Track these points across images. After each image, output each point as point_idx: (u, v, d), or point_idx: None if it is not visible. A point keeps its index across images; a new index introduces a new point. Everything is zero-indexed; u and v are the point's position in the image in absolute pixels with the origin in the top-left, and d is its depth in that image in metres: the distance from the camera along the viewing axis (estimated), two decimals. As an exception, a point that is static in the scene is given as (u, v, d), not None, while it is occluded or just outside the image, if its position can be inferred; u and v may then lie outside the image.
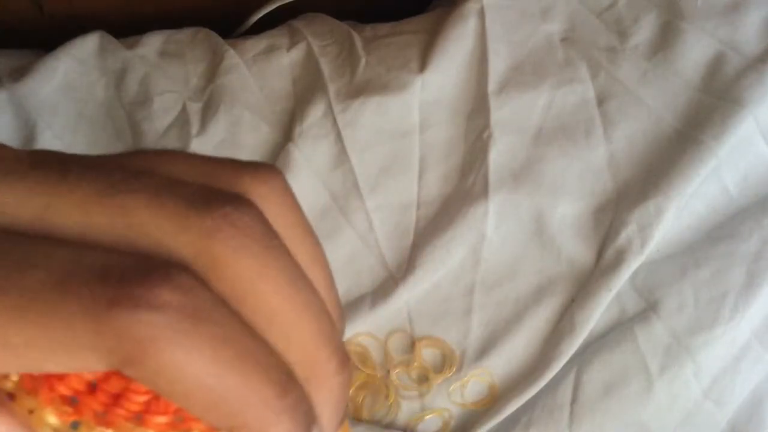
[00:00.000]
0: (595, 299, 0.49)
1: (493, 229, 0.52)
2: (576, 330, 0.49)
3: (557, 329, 0.50)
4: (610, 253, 0.51)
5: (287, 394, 0.14)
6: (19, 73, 0.57)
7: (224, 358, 0.14)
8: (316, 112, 0.55)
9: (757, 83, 0.54)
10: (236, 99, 0.57)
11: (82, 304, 0.13)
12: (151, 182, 0.15)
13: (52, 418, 0.15)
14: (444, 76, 0.57)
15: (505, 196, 0.53)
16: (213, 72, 0.58)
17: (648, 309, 0.49)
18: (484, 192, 0.53)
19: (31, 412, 0.15)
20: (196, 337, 0.13)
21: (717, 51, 0.57)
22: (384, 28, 0.62)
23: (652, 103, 0.56)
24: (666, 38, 0.58)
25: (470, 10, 0.58)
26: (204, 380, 0.13)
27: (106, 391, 0.15)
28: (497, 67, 0.57)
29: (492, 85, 0.56)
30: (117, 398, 0.15)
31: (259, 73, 0.58)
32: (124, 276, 0.13)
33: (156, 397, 0.15)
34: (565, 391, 0.47)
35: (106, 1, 0.64)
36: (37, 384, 0.15)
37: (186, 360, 0.13)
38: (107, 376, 0.15)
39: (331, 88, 0.56)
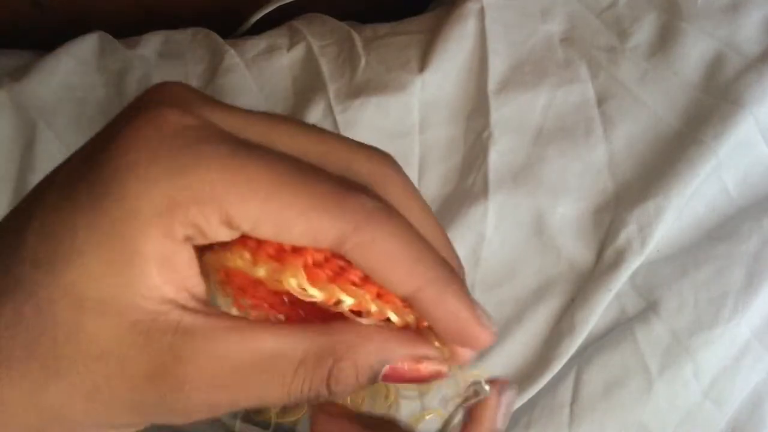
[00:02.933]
0: (595, 299, 0.49)
1: (493, 229, 0.52)
2: (576, 330, 0.48)
3: (557, 329, 0.49)
4: (609, 253, 0.50)
5: (447, 266, 0.21)
6: (19, 73, 0.56)
7: (408, 237, 0.20)
8: (316, 112, 0.55)
9: (757, 83, 0.53)
10: (236, 99, 0.56)
11: (331, 185, 0.20)
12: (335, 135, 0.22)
13: (293, 281, 0.20)
14: (444, 75, 0.56)
15: (505, 196, 0.52)
16: (213, 72, 0.57)
17: (648, 309, 0.49)
18: (483, 192, 0.52)
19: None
20: (392, 219, 0.20)
21: (717, 51, 0.56)
22: (384, 28, 0.61)
23: (652, 103, 0.55)
24: (666, 38, 0.57)
25: (470, 10, 0.58)
26: (396, 247, 0.20)
27: (334, 264, 0.21)
28: (497, 66, 0.57)
29: (492, 85, 0.56)
30: (341, 270, 0.21)
31: (259, 74, 0.57)
32: (353, 181, 0.21)
33: (365, 277, 0.21)
34: (565, 391, 0.47)
35: (106, 1, 0.64)
36: (284, 257, 0.21)
37: (386, 230, 0.20)
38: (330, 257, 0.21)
39: (331, 88, 0.56)
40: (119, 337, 0.19)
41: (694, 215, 0.52)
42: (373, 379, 0.21)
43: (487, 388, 0.24)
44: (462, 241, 0.51)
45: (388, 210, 0.20)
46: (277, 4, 0.65)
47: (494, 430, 0.25)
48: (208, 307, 0.20)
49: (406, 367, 0.21)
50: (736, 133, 0.52)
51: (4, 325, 0.19)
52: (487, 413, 0.25)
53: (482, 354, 0.49)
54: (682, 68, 0.56)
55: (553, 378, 0.47)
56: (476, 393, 0.25)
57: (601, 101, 0.56)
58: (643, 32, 0.58)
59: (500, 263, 0.51)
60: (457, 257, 0.24)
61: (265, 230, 0.20)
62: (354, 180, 0.21)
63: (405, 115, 0.55)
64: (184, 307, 0.20)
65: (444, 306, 0.21)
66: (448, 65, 0.56)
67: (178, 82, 0.22)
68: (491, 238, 0.51)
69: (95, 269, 0.19)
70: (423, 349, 0.22)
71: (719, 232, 0.51)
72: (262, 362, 0.20)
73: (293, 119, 0.22)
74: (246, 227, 0.19)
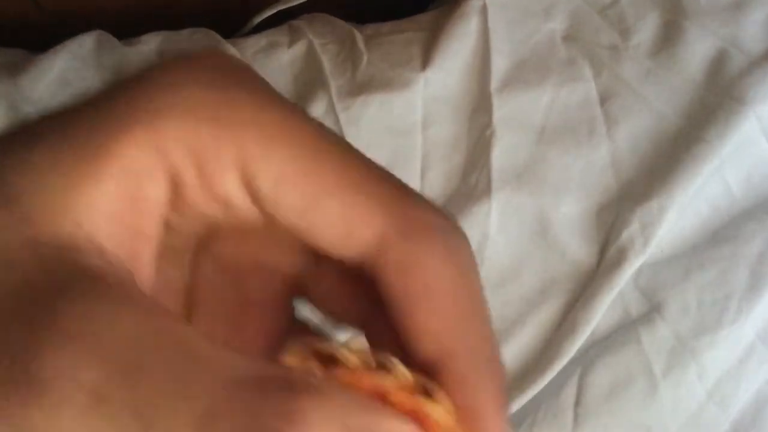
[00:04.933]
0: (598, 298, 0.48)
1: (496, 229, 0.51)
2: (578, 329, 0.47)
3: (560, 329, 0.48)
4: (612, 251, 0.49)
5: None
6: (16, 69, 0.55)
7: (463, 281, 0.15)
8: (318, 109, 0.54)
9: (760, 82, 0.52)
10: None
11: (381, 177, 0.15)
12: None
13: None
14: (447, 73, 0.55)
15: (508, 195, 0.51)
16: (213, 69, 0.56)
17: (652, 311, 0.48)
18: (486, 191, 0.51)
19: None
20: (451, 251, 0.14)
21: (720, 49, 0.55)
22: (386, 26, 0.60)
23: (655, 101, 0.54)
24: (669, 37, 0.56)
25: (473, 7, 0.56)
26: (447, 283, 0.14)
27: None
28: (500, 65, 0.55)
29: (494, 83, 0.55)
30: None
31: (260, 70, 0.55)
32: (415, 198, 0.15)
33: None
34: (569, 393, 0.46)
35: (107, 1, 0.63)
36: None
37: (438, 258, 0.14)
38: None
39: (333, 86, 0.54)
40: (5, 246, 0.13)
41: (698, 216, 0.51)
42: None
43: None
44: (465, 240, 0.50)
45: (449, 235, 0.15)
46: (279, 8, 0.64)
47: None
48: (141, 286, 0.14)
49: None
50: (739, 132, 0.51)
51: None
52: None
53: None
54: (685, 67, 0.55)
55: (558, 379, 0.46)
56: None
57: (604, 100, 0.54)
58: (646, 30, 0.56)
59: (504, 262, 0.50)
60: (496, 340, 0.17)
61: (290, 201, 0.14)
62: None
63: (408, 113, 0.54)
64: (111, 263, 0.13)
65: (482, 391, 0.14)
66: (451, 63, 0.55)
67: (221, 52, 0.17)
68: (495, 238, 0.50)
69: (35, 158, 0.13)
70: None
71: (723, 233, 0.50)
72: (181, 358, 0.12)
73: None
74: (265, 186, 0.14)
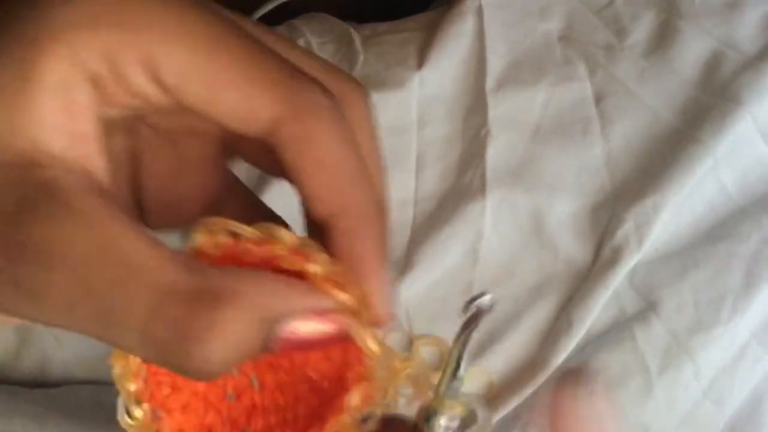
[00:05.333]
0: (593, 297, 0.47)
1: (491, 227, 0.50)
2: (573, 328, 0.47)
3: (555, 327, 0.48)
4: (607, 251, 0.49)
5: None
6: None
7: (348, 150, 0.17)
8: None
9: (755, 81, 0.52)
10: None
11: (279, 63, 0.17)
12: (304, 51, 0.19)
13: None
14: (442, 73, 0.55)
15: (503, 194, 0.51)
16: (210, 68, 0.56)
17: (647, 309, 0.47)
18: (481, 189, 0.51)
19: None
20: (338, 123, 0.17)
21: (715, 49, 0.55)
22: (383, 26, 0.60)
23: (650, 101, 0.54)
24: (664, 36, 0.56)
25: (469, 7, 0.56)
26: (332, 153, 0.17)
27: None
28: (495, 64, 0.55)
29: (490, 83, 0.54)
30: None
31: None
32: (304, 71, 0.17)
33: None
34: (564, 392, 0.46)
35: None
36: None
37: (328, 131, 0.17)
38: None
39: (329, 85, 0.54)
40: None
41: (693, 214, 0.50)
42: (265, 342, 0.16)
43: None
44: (460, 238, 0.50)
45: (337, 111, 0.17)
46: (278, 3, 0.64)
47: None
48: (95, 187, 0.16)
49: (305, 328, 0.16)
50: (734, 132, 0.50)
51: None
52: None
53: (480, 351, 0.47)
54: (680, 66, 0.54)
55: (553, 378, 0.46)
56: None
57: (599, 99, 0.54)
58: (641, 30, 0.56)
59: (498, 261, 0.50)
60: (386, 200, 0.20)
61: (192, 89, 0.16)
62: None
63: (403, 112, 0.54)
64: (67, 169, 0.16)
65: (360, 243, 0.17)
66: (447, 62, 0.55)
67: None
68: (489, 236, 0.50)
69: None
70: (327, 301, 0.17)
71: (718, 232, 0.50)
72: (124, 272, 0.15)
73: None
74: (170, 80, 0.16)
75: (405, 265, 0.49)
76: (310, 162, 0.17)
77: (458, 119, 0.54)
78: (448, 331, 0.48)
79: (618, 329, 0.47)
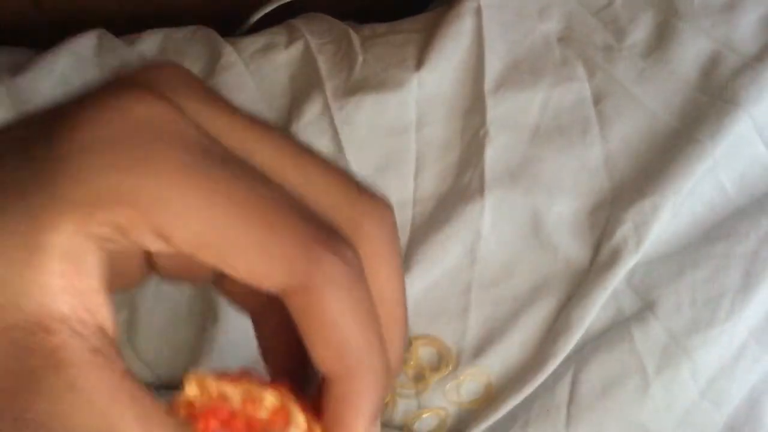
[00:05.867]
0: (591, 297, 0.47)
1: (489, 228, 0.50)
2: (572, 328, 0.46)
3: (553, 328, 0.47)
4: (605, 251, 0.49)
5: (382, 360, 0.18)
6: (17, 69, 0.55)
7: (360, 320, 0.17)
8: (312, 110, 0.53)
9: (753, 82, 0.52)
10: (233, 96, 0.53)
11: (295, 227, 0.16)
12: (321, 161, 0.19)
13: None
14: (441, 74, 0.55)
15: (501, 195, 0.51)
16: (211, 69, 0.56)
17: (645, 309, 0.47)
18: (480, 190, 0.51)
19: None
20: (353, 295, 0.17)
21: (713, 50, 0.54)
22: (382, 27, 0.60)
23: (649, 102, 0.54)
24: (662, 37, 0.56)
25: (467, 8, 0.56)
26: (346, 317, 0.17)
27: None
28: (494, 65, 0.55)
29: (488, 84, 0.54)
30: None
31: (257, 71, 0.56)
32: (329, 226, 0.17)
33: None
34: (563, 391, 0.45)
35: (107, 1, 0.63)
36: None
37: (335, 306, 0.17)
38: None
39: (328, 86, 0.54)
40: None
41: (692, 214, 0.50)
42: None
43: None
44: (459, 239, 0.49)
45: (354, 275, 0.17)
46: (277, 4, 0.63)
47: None
48: (101, 348, 0.16)
49: None
50: (732, 132, 0.50)
51: None
52: None
53: (479, 352, 0.47)
54: (678, 67, 0.54)
55: (551, 378, 0.45)
56: None
57: (597, 100, 0.54)
58: (640, 31, 0.56)
59: (497, 262, 0.49)
60: (396, 356, 0.20)
61: (204, 255, 0.16)
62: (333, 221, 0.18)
63: (402, 113, 0.53)
64: (77, 334, 0.16)
65: (349, 412, 0.18)
66: (445, 63, 0.55)
67: (177, 65, 0.18)
68: (488, 237, 0.50)
69: None
70: None
71: (717, 232, 0.49)
72: None
73: (286, 135, 0.19)
74: (183, 248, 0.16)
75: (404, 265, 0.49)
76: (316, 330, 0.17)
77: (457, 120, 0.54)
78: (448, 331, 0.48)
79: (616, 329, 0.47)
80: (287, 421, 0.18)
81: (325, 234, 0.17)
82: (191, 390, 0.18)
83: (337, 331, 0.17)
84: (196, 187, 0.16)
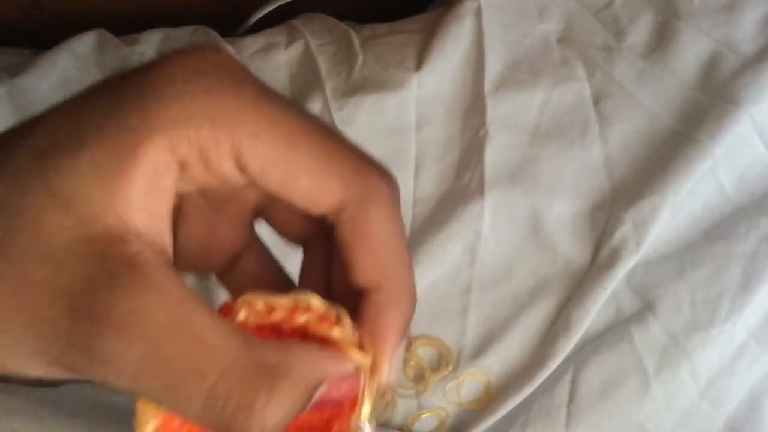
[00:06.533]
0: (591, 298, 0.47)
1: (489, 228, 0.50)
2: (572, 329, 0.46)
3: (553, 328, 0.47)
4: (605, 251, 0.48)
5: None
6: (18, 69, 0.54)
7: (399, 237, 0.20)
8: (312, 110, 0.53)
9: (753, 83, 0.52)
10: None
11: (349, 153, 0.19)
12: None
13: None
14: (440, 74, 0.54)
15: (501, 195, 0.51)
16: (211, 69, 0.55)
17: (645, 309, 0.47)
18: (479, 190, 0.50)
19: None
20: (395, 213, 0.20)
21: (713, 50, 0.54)
22: (382, 27, 0.59)
23: (649, 102, 0.53)
24: (662, 37, 0.55)
25: (467, 9, 0.56)
26: (387, 232, 0.20)
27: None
28: (494, 65, 0.55)
29: (488, 84, 0.54)
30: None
31: (257, 71, 0.55)
32: (371, 156, 0.20)
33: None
34: (562, 391, 0.45)
35: (107, 1, 0.62)
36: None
37: (380, 218, 0.20)
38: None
39: (328, 86, 0.54)
40: (69, 243, 0.17)
41: (691, 215, 0.50)
42: (305, 405, 0.18)
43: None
44: (458, 239, 0.49)
45: (393, 197, 0.20)
46: (277, 4, 0.63)
47: None
48: (169, 263, 0.18)
49: (334, 390, 0.19)
50: (732, 133, 0.50)
51: None
52: None
53: (479, 352, 0.47)
54: (678, 67, 0.54)
55: (550, 378, 0.45)
56: None
57: (597, 100, 0.54)
58: (640, 31, 0.56)
59: (497, 262, 0.49)
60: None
61: (273, 176, 0.19)
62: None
63: (401, 113, 0.53)
64: (147, 245, 0.18)
65: (387, 318, 0.20)
66: (445, 64, 0.55)
67: (216, 47, 0.20)
68: (487, 237, 0.49)
69: (81, 166, 0.17)
70: (350, 365, 0.20)
71: (716, 232, 0.49)
72: (194, 346, 0.17)
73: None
74: (254, 168, 0.19)
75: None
76: (363, 241, 0.20)
77: (457, 120, 0.54)
78: (448, 331, 0.47)
79: (615, 329, 0.47)
80: (334, 321, 0.20)
81: (372, 161, 0.20)
82: (241, 314, 0.19)
83: (380, 243, 0.20)
84: (266, 116, 0.18)
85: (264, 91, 0.19)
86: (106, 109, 0.18)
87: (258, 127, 0.18)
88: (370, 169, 0.20)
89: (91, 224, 0.17)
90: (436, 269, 0.49)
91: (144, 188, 0.17)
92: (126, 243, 0.17)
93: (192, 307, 0.17)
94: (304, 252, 0.24)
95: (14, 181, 0.17)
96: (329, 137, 0.19)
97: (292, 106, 0.19)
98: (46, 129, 0.18)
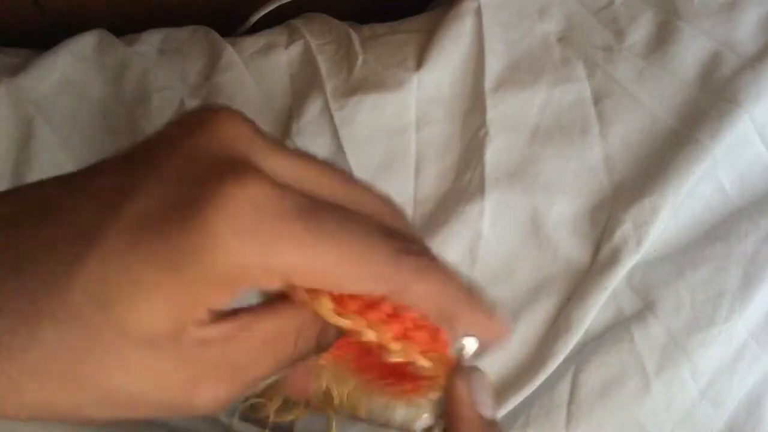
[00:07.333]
0: (591, 297, 0.47)
1: (489, 228, 0.50)
2: (572, 328, 0.46)
3: (553, 328, 0.47)
4: (605, 251, 0.48)
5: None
6: (17, 69, 0.54)
7: (445, 287, 0.23)
8: (313, 110, 0.53)
9: (753, 82, 0.51)
10: (234, 96, 0.54)
11: (385, 248, 0.21)
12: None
13: (325, 306, 0.22)
14: (441, 74, 0.54)
15: (501, 195, 0.50)
16: (211, 69, 0.55)
17: (645, 309, 0.47)
18: (480, 190, 0.50)
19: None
20: (434, 274, 0.22)
21: (713, 50, 0.54)
22: (382, 27, 0.59)
23: (649, 102, 0.53)
24: (662, 37, 0.55)
25: (467, 9, 0.56)
26: (433, 296, 0.23)
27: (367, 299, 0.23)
28: (494, 65, 0.54)
29: (488, 84, 0.54)
30: (373, 303, 0.23)
31: (257, 71, 0.56)
32: (401, 233, 0.23)
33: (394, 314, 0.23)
34: (563, 391, 0.45)
35: (107, 1, 0.62)
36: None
37: (431, 284, 0.22)
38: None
39: (328, 86, 0.54)
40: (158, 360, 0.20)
41: (691, 214, 0.50)
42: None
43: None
44: (458, 239, 0.49)
45: (433, 264, 0.23)
46: (277, 4, 0.63)
47: (476, 419, 0.25)
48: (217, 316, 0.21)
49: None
50: (732, 132, 0.50)
51: (49, 348, 0.18)
52: (459, 409, 0.25)
53: (479, 353, 0.47)
54: (678, 67, 0.54)
55: (551, 377, 0.45)
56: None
57: (597, 100, 0.54)
58: (640, 31, 0.56)
59: (497, 261, 0.49)
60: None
61: (323, 284, 0.21)
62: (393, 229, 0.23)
63: (401, 113, 0.53)
64: (205, 322, 0.20)
65: (471, 318, 0.24)
66: (445, 63, 0.54)
67: (236, 115, 0.21)
68: (488, 237, 0.49)
69: (155, 306, 0.19)
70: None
71: (716, 232, 0.49)
72: (269, 340, 0.21)
73: (336, 168, 0.23)
74: (299, 282, 0.21)
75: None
76: (421, 302, 0.23)
77: (457, 120, 0.54)
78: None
79: (616, 329, 0.47)
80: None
81: (403, 242, 0.22)
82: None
83: (438, 298, 0.23)
84: (315, 231, 0.20)
85: (297, 216, 0.20)
86: (164, 259, 0.19)
87: (305, 247, 0.20)
88: (406, 253, 0.22)
89: (173, 345, 0.20)
90: (436, 269, 0.49)
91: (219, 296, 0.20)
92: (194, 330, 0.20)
93: (257, 322, 0.22)
94: None
95: (77, 325, 0.19)
96: (365, 237, 0.21)
97: (327, 212, 0.21)
98: (95, 271, 0.19)
